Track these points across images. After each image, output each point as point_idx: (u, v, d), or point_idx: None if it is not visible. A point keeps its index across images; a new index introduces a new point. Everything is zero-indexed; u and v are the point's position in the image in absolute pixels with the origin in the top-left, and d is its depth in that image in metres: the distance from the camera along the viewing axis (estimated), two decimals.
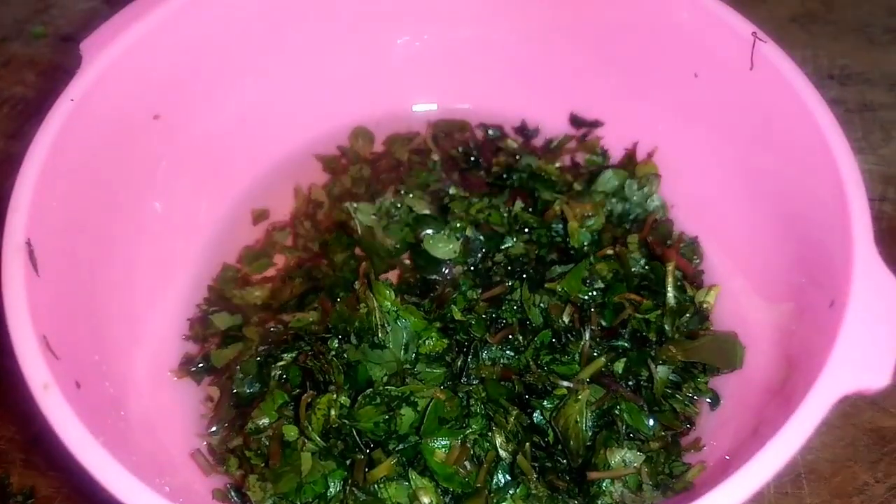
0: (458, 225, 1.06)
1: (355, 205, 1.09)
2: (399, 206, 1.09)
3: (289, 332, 1.00)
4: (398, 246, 1.08)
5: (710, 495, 0.68)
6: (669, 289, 0.99)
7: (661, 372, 0.95)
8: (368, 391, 0.90)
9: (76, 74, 0.90)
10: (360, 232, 1.08)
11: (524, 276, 1.03)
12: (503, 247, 1.06)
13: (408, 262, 1.09)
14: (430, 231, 1.06)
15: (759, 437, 0.74)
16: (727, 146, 1.02)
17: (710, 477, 0.88)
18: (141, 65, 0.96)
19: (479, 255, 1.06)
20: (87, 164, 0.91)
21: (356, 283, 1.02)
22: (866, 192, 1.18)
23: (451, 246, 1.05)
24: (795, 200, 0.91)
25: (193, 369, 1.02)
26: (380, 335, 0.93)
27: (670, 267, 1.00)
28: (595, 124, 1.18)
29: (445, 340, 0.95)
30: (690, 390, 0.97)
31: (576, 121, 1.19)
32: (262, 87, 1.13)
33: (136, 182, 1.00)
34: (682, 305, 1.00)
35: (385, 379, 0.92)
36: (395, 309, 0.94)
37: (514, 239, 1.06)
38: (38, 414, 0.72)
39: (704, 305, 1.01)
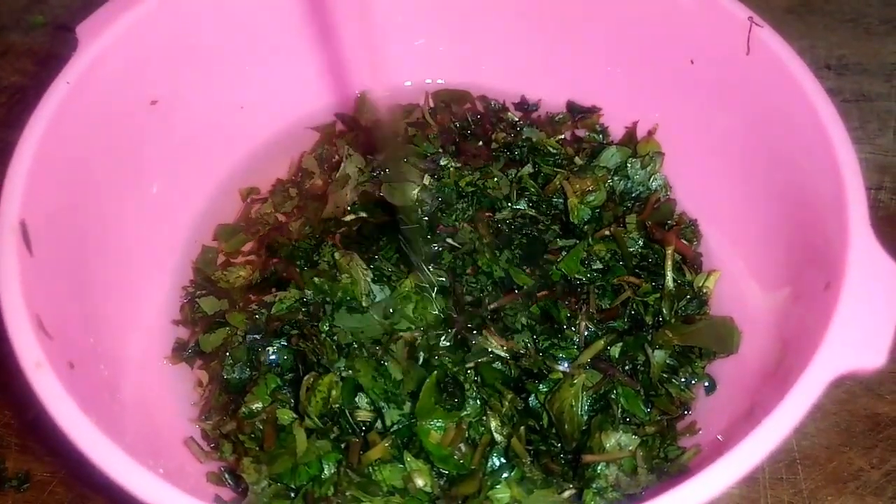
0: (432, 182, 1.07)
1: (351, 151, 1.09)
2: (386, 170, 1.08)
3: (273, 319, 0.98)
4: (355, 204, 1.08)
5: (702, 475, 0.68)
6: (669, 272, 0.99)
7: (658, 356, 0.95)
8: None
9: (72, 58, 0.90)
10: (336, 177, 1.08)
11: (523, 241, 1.03)
12: (514, 207, 1.06)
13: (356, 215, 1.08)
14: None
15: (754, 418, 0.73)
16: (724, 131, 1.02)
17: (705, 460, 0.87)
18: (138, 49, 0.96)
19: (452, 209, 1.06)
20: (83, 146, 0.91)
21: (317, 254, 1.02)
22: (863, 181, 1.19)
23: (409, 192, 1.05)
24: (792, 183, 0.91)
25: (186, 354, 1.01)
26: (364, 303, 0.94)
27: (670, 251, 1.00)
28: (592, 110, 1.17)
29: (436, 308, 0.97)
30: (687, 375, 0.97)
31: (573, 108, 1.18)
32: (258, 68, 1.13)
33: (132, 165, 1.00)
34: (681, 290, 1.00)
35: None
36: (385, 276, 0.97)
37: (520, 203, 1.06)
38: (34, 398, 0.71)
39: (704, 290, 1.01)
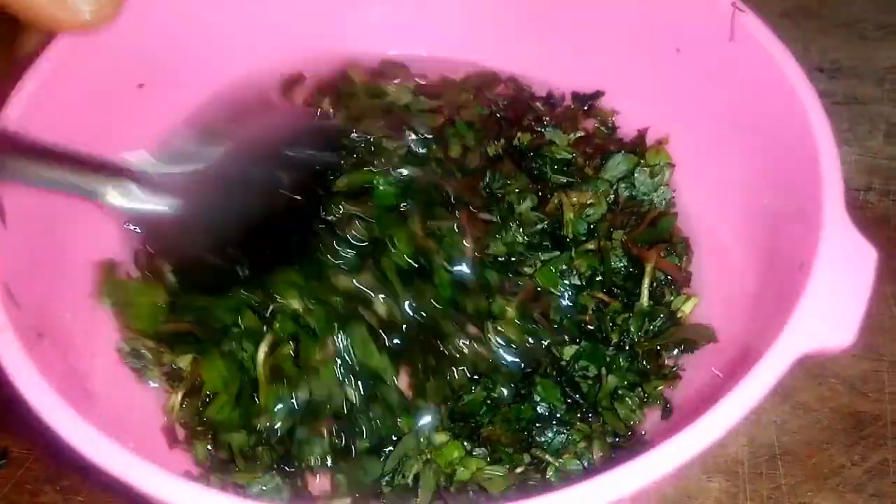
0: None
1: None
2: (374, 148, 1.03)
3: None
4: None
5: (658, 449, 0.66)
6: (644, 290, 0.97)
7: (611, 381, 0.94)
8: None
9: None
10: None
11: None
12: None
13: None
14: None
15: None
16: (709, 119, 1.02)
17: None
18: (124, 27, 0.92)
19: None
20: (64, 122, 0.89)
21: None
22: (852, 183, 1.19)
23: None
24: (773, 169, 0.92)
25: None
26: None
27: (648, 267, 0.98)
28: (596, 95, 1.14)
29: None
30: (639, 398, 0.95)
31: (577, 97, 1.15)
32: (250, 51, 1.11)
33: (115, 143, 0.96)
34: (655, 310, 0.97)
35: None
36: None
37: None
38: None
39: (679, 315, 0.98)
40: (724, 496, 1.00)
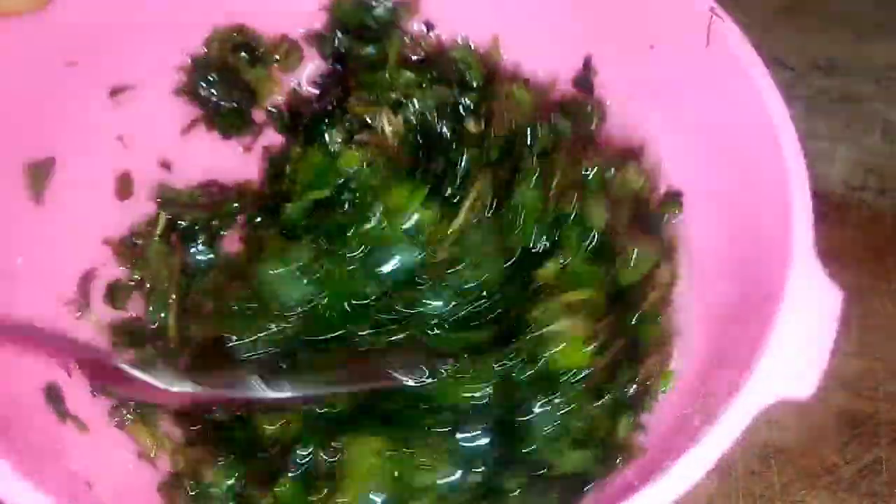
0: None
1: None
2: None
3: None
4: None
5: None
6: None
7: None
8: None
9: None
10: None
11: None
12: None
13: None
14: None
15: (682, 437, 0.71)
16: (681, 129, 0.97)
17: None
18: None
19: None
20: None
21: None
22: (847, 181, 1.18)
23: None
24: (741, 191, 0.86)
25: None
26: None
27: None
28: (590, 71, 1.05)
29: None
30: None
31: (580, 82, 1.05)
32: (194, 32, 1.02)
33: (49, 125, 0.92)
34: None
35: None
36: None
37: None
38: None
39: (649, 383, 0.88)
40: (716, 494, 1.01)
